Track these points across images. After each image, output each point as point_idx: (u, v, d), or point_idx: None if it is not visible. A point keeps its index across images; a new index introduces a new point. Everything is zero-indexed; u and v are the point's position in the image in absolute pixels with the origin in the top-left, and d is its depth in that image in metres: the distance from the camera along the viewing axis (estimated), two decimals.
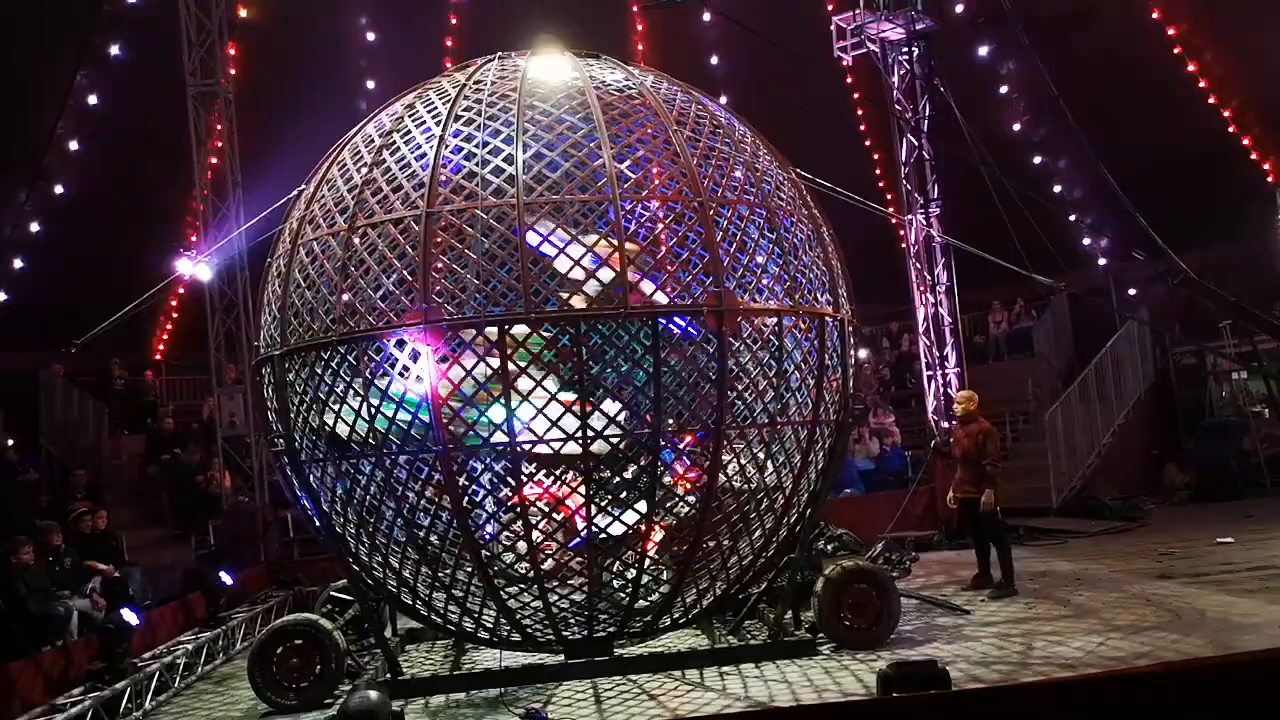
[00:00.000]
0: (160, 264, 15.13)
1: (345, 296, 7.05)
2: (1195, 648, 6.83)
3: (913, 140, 14.32)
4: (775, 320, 7.23)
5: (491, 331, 6.67)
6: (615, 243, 6.84)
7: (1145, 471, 15.65)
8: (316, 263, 7.25)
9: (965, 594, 9.31)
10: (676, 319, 7.13)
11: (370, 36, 20.36)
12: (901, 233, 15.00)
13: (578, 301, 7.08)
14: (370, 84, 19.40)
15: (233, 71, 14.47)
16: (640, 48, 20.55)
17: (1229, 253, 16.28)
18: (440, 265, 7.46)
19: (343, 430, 7.02)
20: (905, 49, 14.25)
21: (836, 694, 6.56)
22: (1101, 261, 18.62)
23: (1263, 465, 14.52)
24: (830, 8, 17.35)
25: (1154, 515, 13.65)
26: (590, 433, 6.70)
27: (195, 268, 13.29)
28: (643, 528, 7.05)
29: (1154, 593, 8.70)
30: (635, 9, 20.61)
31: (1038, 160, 19.59)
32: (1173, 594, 8.59)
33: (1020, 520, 12.65)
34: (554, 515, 7.06)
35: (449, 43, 20.09)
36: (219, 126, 13.91)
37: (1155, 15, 18.24)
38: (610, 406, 7.02)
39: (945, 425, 13.74)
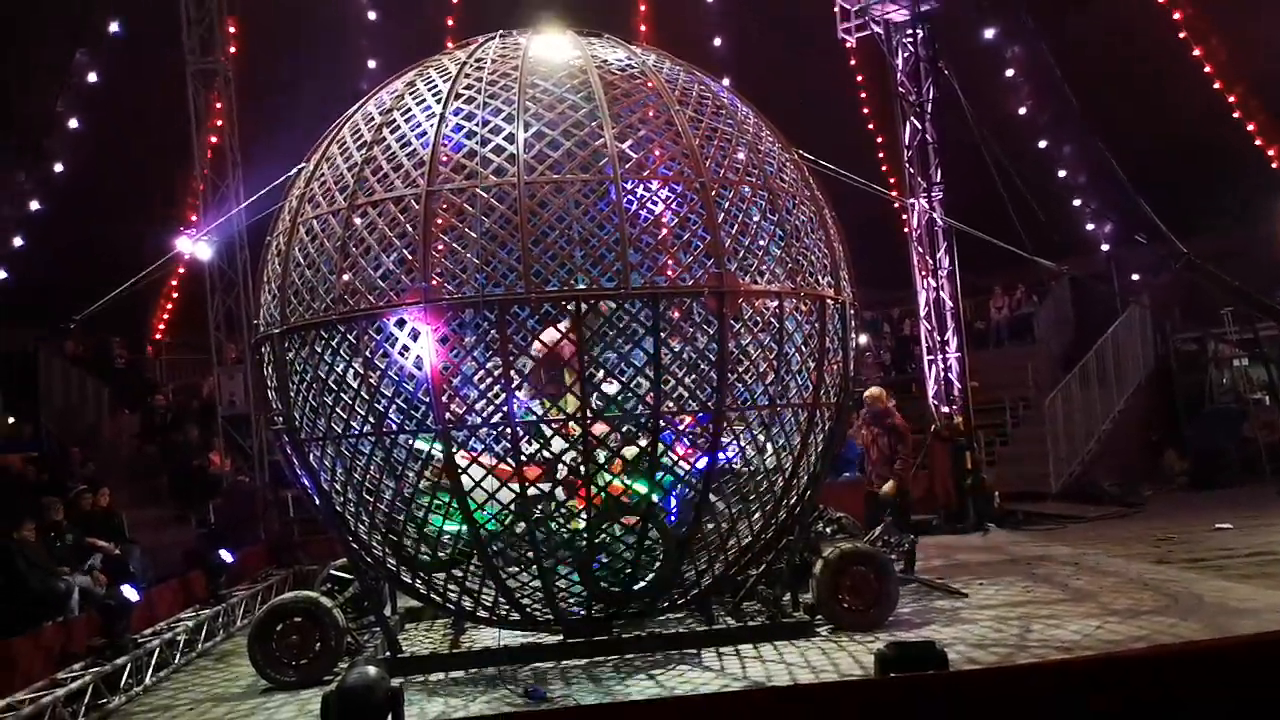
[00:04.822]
0: (160, 243, 15.05)
1: (345, 276, 7.03)
2: (1192, 632, 6.84)
3: (916, 123, 14.24)
4: (776, 302, 7.21)
5: None
6: None
7: (1144, 457, 15.66)
8: (316, 241, 7.23)
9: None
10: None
11: (371, 15, 20.23)
12: (904, 216, 14.94)
13: None
14: (371, 63, 19.27)
15: (232, 49, 14.36)
16: (643, 28, 20.39)
17: (1232, 241, 16.22)
18: (441, 245, 7.43)
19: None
20: (909, 31, 14.15)
21: (834, 674, 6.58)
22: (1104, 247, 18.57)
23: (1262, 452, 14.51)
24: None
25: (1152, 501, 13.66)
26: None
27: (195, 246, 13.24)
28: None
29: (1151, 577, 8.72)
30: None
31: (1042, 144, 19.49)
32: (1170, 579, 8.61)
33: (1019, 505, 12.66)
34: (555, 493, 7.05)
35: (450, 21, 19.96)
36: (219, 105, 13.83)
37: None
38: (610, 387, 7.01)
39: (946, 410, 13.74)
